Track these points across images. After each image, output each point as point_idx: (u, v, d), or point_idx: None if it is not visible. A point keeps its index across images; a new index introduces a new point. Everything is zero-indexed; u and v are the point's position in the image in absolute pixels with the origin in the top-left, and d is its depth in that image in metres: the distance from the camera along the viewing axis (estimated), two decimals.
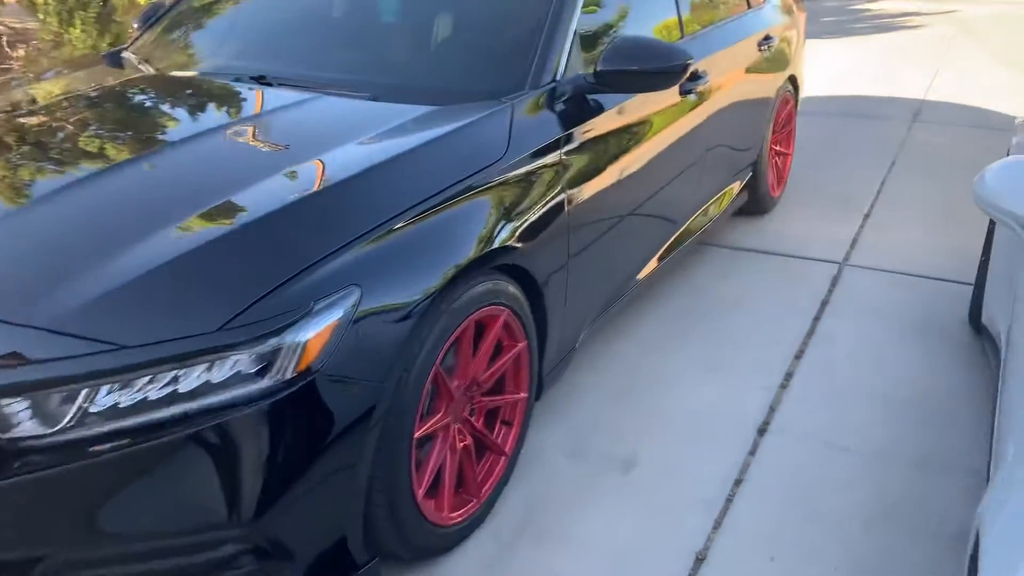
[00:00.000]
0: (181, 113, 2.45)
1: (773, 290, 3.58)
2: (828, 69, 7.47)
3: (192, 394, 1.57)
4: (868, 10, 11.83)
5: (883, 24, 10.68)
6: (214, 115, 2.40)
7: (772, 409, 2.76)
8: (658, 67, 2.44)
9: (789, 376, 2.95)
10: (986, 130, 5.99)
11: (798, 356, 3.08)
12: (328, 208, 1.86)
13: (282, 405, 1.63)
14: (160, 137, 2.26)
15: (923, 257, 3.89)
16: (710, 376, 2.93)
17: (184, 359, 1.56)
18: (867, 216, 4.40)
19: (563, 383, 2.76)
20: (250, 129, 2.25)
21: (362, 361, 1.74)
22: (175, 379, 1.56)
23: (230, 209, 1.82)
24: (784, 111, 4.32)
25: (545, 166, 2.30)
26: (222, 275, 1.67)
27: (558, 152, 2.34)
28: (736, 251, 3.98)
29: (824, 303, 3.48)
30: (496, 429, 2.29)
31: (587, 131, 2.48)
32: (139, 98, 2.55)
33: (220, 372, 1.59)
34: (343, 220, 1.82)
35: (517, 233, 2.15)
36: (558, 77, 2.45)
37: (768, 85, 3.96)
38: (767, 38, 3.89)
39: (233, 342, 1.58)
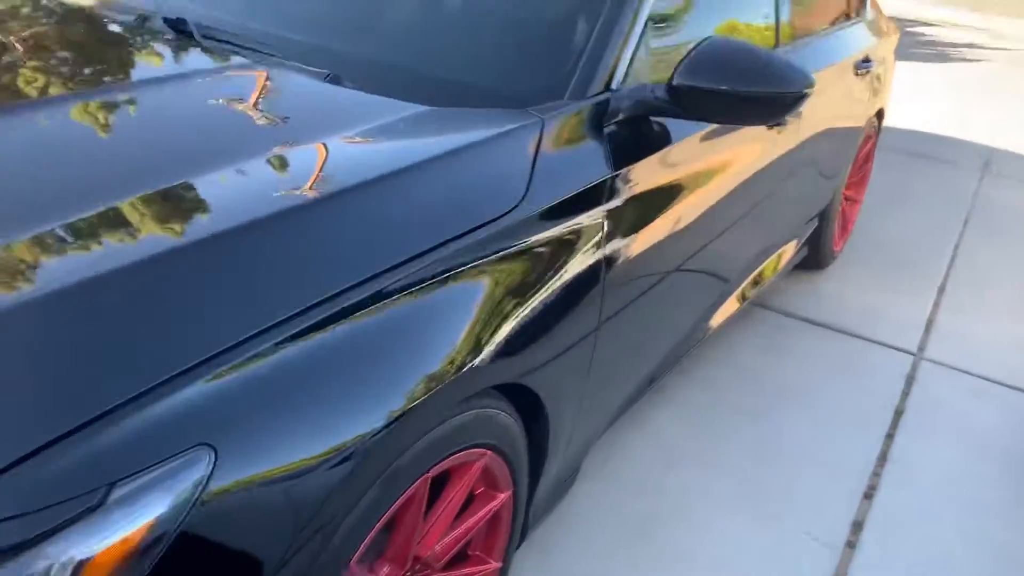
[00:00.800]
0: (44, 69, 1.60)
1: (834, 383, 2.80)
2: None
3: None
4: (924, 35, 11.00)
5: (941, 52, 9.87)
6: (86, 79, 1.55)
7: None
8: (766, 91, 1.62)
9: (858, 528, 2.17)
10: None
11: (868, 495, 2.30)
12: (182, 288, 1.01)
13: None
14: None
15: (1013, 358, 3.12)
16: (754, 517, 2.15)
17: None
18: (941, 290, 3.62)
19: None
20: (104, 114, 1.37)
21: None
22: None
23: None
24: (864, 150, 3.51)
25: (580, 227, 1.49)
26: None
27: (600, 207, 1.53)
28: (788, 318, 3.19)
29: (898, 412, 2.70)
30: None
31: (644, 173, 1.67)
32: None
33: None
34: (205, 314, 0.99)
35: (524, 332, 1.35)
36: (614, 85, 1.63)
37: (858, 118, 3.15)
38: (866, 60, 3.07)
39: None
